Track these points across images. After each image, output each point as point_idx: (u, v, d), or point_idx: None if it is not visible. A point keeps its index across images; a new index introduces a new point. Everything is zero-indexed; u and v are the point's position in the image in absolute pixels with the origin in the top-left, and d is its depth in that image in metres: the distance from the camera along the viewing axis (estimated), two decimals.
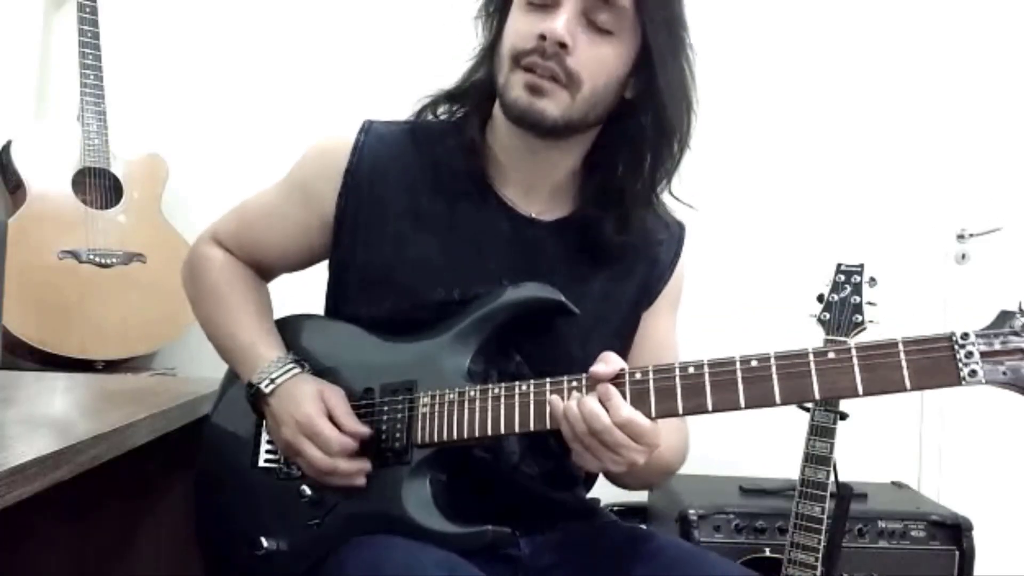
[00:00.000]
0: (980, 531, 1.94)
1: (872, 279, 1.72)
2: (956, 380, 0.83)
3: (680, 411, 0.92)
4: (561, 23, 0.99)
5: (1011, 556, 2.33)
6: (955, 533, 1.93)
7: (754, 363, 0.89)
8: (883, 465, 2.32)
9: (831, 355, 0.87)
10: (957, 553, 1.93)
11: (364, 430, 1.03)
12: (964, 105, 2.46)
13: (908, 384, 0.84)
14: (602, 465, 0.94)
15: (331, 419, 1.03)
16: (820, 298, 1.74)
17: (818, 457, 1.74)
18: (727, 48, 2.42)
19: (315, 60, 2.43)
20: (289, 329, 1.17)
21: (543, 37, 1.00)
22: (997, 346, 0.82)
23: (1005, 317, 0.84)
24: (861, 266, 1.73)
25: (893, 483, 2.28)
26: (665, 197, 1.16)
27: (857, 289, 1.71)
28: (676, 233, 1.20)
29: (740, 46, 2.44)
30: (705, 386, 0.91)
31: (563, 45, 0.99)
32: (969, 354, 0.82)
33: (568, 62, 1.00)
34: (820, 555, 1.72)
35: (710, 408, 0.91)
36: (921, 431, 2.48)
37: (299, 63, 2.43)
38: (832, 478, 1.73)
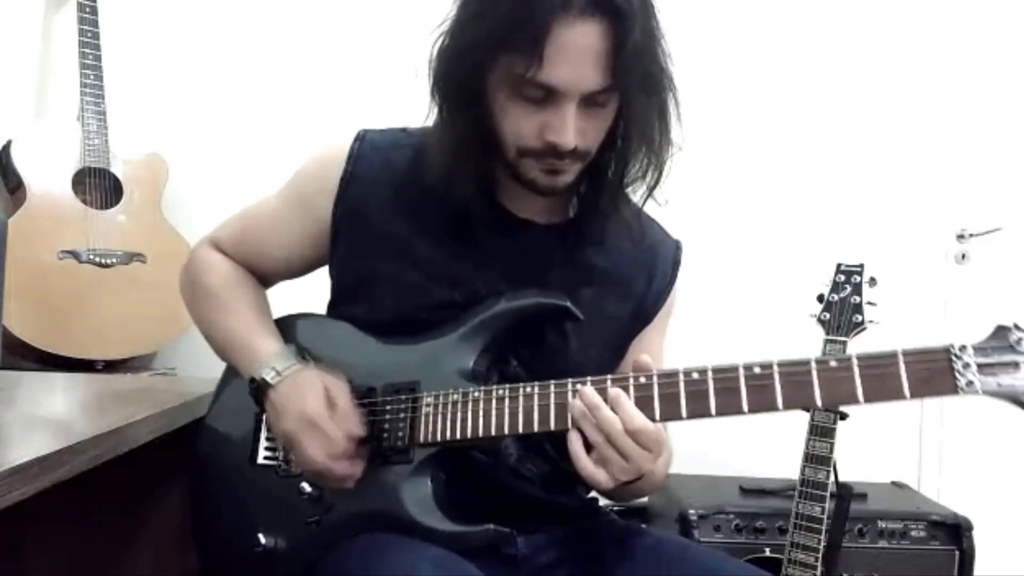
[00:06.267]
0: (980, 531, 1.94)
1: (872, 279, 1.72)
2: (953, 390, 0.86)
3: (684, 415, 0.92)
4: (571, 135, 0.98)
5: (1011, 556, 2.33)
6: (955, 533, 1.94)
7: (757, 370, 0.90)
8: (883, 465, 2.32)
9: (833, 364, 0.89)
10: (957, 553, 1.93)
11: (360, 432, 1.03)
12: (964, 105, 2.46)
13: (908, 393, 0.86)
14: (610, 476, 0.93)
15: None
16: (820, 298, 1.74)
17: (818, 457, 1.74)
18: (729, 49, 2.43)
19: (315, 60, 2.43)
20: (289, 328, 1.17)
21: (553, 143, 0.99)
22: (993, 359, 0.85)
23: (1001, 332, 0.87)
24: (861, 266, 1.73)
25: (893, 483, 2.28)
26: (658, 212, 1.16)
27: (857, 289, 1.71)
28: (671, 252, 1.20)
29: (741, 47, 2.44)
30: (709, 391, 0.91)
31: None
32: (966, 365, 0.85)
33: (578, 146, 1.01)
34: (820, 555, 1.72)
35: (713, 412, 0.92)
36: (921, 431, 2.48)
37: (299, 63, 2.43)
38: (832, 478, 1.73)
